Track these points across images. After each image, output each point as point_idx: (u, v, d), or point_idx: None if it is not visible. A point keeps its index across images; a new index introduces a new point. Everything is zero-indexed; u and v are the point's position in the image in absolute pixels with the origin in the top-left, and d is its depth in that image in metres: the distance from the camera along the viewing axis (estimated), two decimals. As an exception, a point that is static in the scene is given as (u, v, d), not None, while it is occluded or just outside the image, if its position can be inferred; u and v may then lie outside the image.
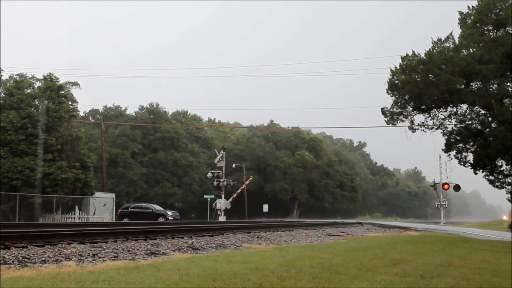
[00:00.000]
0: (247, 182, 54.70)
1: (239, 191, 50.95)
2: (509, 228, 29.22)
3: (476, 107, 23.94)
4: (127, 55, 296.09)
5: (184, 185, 65.02)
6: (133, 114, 67.66)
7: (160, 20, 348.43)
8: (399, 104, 24.42)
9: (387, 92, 24.50)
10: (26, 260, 7.43)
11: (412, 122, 25.01)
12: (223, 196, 42.38)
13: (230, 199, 44.29)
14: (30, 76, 41.55)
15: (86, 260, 7.86)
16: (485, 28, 23.51)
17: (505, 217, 29.75)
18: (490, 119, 23.25)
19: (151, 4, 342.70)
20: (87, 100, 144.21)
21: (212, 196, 48.93)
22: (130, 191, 59.86)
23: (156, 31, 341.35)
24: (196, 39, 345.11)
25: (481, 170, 24.13)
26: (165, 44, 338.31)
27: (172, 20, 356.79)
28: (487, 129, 23.11)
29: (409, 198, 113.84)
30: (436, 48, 23.75)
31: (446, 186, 41.99)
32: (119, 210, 39.08)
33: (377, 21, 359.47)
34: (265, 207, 57.72)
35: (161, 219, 35.50)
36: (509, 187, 24.50)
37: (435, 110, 24.59)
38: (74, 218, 35.45)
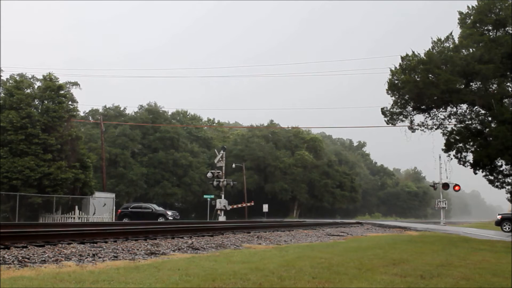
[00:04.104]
0: (248, 204, 55.07)
1: (239, 205, 51.57)
2: (496, 225, 29.29)
3: (476, 107, 23.95)
4: (125, 54, 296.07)
5: (184, 185, 65.00)
6: (133, 114, 67.68)
7: (157, 19, 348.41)
8: (399, 104, 24.45)
9: (387, 92, 24.52)
10: (26, 260, 7.43)
11: (412, 122, 25.04)
12: (223, 196, 42.36)
13: (230, 207, 44.81)
14: (30, 76, 41.52)
15: (86, 260, 7.86)
16: (485, 28, 23.53)
17: (499, 217, 29.73)
18: (490, 119, 23.26)
19: (148, 3, 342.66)
20: (86, 100, 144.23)
21: (212, 196, 48.94)
22: (130, 191, 59.84)
23: (153, 30, 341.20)
24: (194, 37, 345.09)
25: (480, 170, 24.14)
26: (163, 43, 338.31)
27: (170, 18, 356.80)
28: (487, 129, 23.12)
29: (409, 198, 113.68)
30: (436, 48, 23.77)
31: (446, 186, 42.02)
32: (119, 210, 39.05)
33: (377, 21, 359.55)
34: (265, 207, 57.75)
35: (161, 219, 35.49)
36: (509, 187, 24.52)
37: (435, 110, 24.61)
38: (74, 218, 35.45)
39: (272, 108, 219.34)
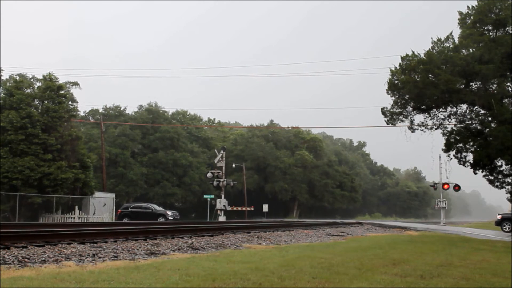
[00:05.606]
0: (248, 208, 55.22)
1: (239, 208, 51.86)
2: (496, 225, 29.34)
3: (476, 107, 23.96)
4: (125, 54, 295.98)
5: (184, 185, 64.99)
6: (133, 114, 67.65)
7: (157, 18, 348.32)
8: (399, 104, 24.45)
9: (387, 92, 24.53)
10: (26, 260, 7.43)
11: (412, 122, 25.05)
12: (223, 196, 42.38)
13: (230, 208, 45.14)
14: (30, 76, 41.52)
15: (86, 260, 7.87)
16: (485, 28, 23.53)
17: (499, 217, 29.77)
18: (490, 119, 23.27)
19: (148, 3, 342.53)
20: (86, 100, 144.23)
21: (212, 196, 48.96)
22: (130, 191, 59.82)
23: (153, 30, 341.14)
24: (194, 37, 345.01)
25: (481, 170, 24.14)
26: (163, 43, 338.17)
27: (170, 18, 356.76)
28: (487, 129, 23.13)
29: (409, 198, 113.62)
30: (436, 48, 23.78)
31: (446, 186, 41.98)
32: (119, 210, 39.05)
33: (377, 20, 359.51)
34: (265, 207, 57.79)
35: (161, 219, 35.49)
36: (509, 187, 24.53)
37: (435, 110, 24.62)
38: (74, 218, 35.44)
39: (272, 108, 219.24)
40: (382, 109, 25.14)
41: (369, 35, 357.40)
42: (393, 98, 24.47)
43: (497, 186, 24.41)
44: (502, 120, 21.57)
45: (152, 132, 65.57)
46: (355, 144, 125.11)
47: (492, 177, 24.30)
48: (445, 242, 15.41)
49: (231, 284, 5.40)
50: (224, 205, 41.76)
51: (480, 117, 23.96)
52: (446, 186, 41.92)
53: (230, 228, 18.06)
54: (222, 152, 43.13)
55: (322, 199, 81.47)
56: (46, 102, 36.67)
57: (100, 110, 64.19)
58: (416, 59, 23.47)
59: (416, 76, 23.36)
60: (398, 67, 24.14)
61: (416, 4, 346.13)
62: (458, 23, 24.60)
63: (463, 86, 23.21)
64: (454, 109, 24.61)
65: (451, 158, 25.06)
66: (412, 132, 25.29)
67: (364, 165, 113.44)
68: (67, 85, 40.91)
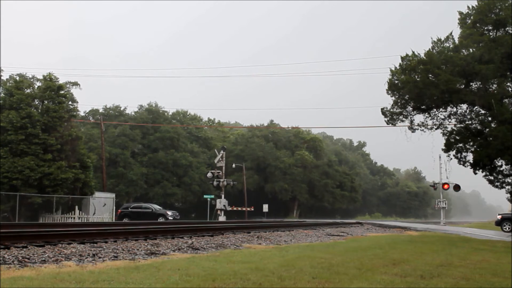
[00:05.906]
0: (248, 209, 55.27)
1: (239, 208, 51.96)
2: (496, 225, 29.36)
3: (476, 107, 23.96)
4: (125, 54, 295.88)
5: (184, 185, 64.98)
6: (133, 114, 67.66)
7: (156, 18, 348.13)
8: (399, 104, 24.46)
9: (387, 92, 24.53)
10: (26, 260, 7.43)
11: (412, 122, 25.05)
12: (223, 196, 42.37)
13: (230, 208, 45.31)
14: (30, 76, 41.51)
15: (86, 260, 7.87)
16: (485, 28, 23.53)
17: (499, 217, 29.80)
18: (490, 119, 23.26)
19: (147, 3, 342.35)
20: (86, 100, 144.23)
21: (212, 196, 48.95)
22: (130, 191, 59.81)
23: (152, 30, 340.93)
24: (194, 37, 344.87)
25: (480, 170, 24.14)
26: (163, 42, 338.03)
27: (170, 18, 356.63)
28: (487, 129, 23.12)
29: (409, 198, 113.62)
30: (436, 48, 23.78)
31: (446, 186, 41.97)
32: (119, 210, 39.04)
33: (377, 20, 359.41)
34: (265, 207, 57.78)
35: (161, 219, 35.49)
36: (509, 187, 24.53)
37: (435, 110, 24.63)
38: (74, 218, 35.44)
39: (272, 108, 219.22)
40: (382, 109, 25.15)
41: (369, 35, 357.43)
42: (393, 98, 24.48)
43: (497, 186, 24.41)
44: (502, 120, 21.57)
45: (152, 132, 65.57)
46: (355, 144, 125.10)
47: (492, 177, 24.30)
48: (445, 242, 15.41)
49: (231, 284, 5.40)
50: (224, 205, 41.74)
51: (480, 117, 23.96)
52: (446, 186, 41.90)
53: (230, 228, 18.06)
54: (222, 152, 43.12)
55: (322, 199, 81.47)
56: (46, 102, 36.67)
57: (100, 110, 64.20)
58: (416, 59, 23.47)
59: (416, 76, 23.36)
60: (398, 67, 24.14)
61: (416, 4, 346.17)
62: (458, 23, 24.60)
63: (463, 86, 23.21)
64: (454, 109, 24.62)
65: (451, 158, 25.08)
66: (412, 132, 25.30)
67: (364, 165, 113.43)
68: (67, 85, 40.90)
